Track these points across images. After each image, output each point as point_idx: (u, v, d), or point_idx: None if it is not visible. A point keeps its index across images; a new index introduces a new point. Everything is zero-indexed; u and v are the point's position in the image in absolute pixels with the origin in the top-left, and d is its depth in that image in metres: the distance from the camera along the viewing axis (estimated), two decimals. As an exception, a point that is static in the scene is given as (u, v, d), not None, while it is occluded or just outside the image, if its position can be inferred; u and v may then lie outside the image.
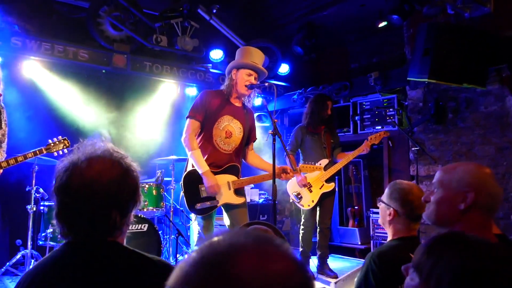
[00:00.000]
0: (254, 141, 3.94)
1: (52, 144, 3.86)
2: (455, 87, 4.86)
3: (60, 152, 3.89)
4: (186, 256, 0.63)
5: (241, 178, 3.70)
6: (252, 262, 0.57)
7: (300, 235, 5.00)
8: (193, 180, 3.59)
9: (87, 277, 1.20)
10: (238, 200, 3.67)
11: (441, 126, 5.13)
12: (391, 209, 2.13)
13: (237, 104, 3.74)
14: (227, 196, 3.63)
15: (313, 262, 5.14)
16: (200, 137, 3.65)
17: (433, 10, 4.51)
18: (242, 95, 3.70)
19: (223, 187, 3.61)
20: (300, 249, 5.01)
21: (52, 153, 3.90)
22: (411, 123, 5.39)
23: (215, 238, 0.62)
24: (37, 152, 3.76)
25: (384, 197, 2.21)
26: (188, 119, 3.63)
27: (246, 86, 3.62)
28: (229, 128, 3.66)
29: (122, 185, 1.28)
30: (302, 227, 5.00)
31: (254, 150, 3.98)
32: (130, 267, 1.26)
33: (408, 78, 4.71)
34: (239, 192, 3.71)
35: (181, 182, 3.65)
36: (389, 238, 2.17)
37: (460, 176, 1.61)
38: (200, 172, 3.52)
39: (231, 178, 3.66)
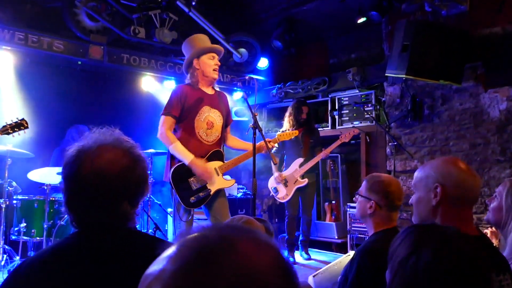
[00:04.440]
0: (230, 123, 3.96)
1: (8, 126, 3.65)
2: (431, 84, 4.94)
3: (18, 134, 3.70)
4: (166, 253, 0.60)
5: (226, 162, 3.74)
6: (245, 251, 0.58)
7: (286, 223, 5.43)
8: (181, 176, 3.56)
9: (102, 265, 1.16)
10: (229, 183, 3.76)
11: (417, 122, 5.21)
12: (372, 202, 2.11)
13: (210, 91, 3.74)
14: (218, 182, 3.65)
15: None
16: (181, 131, 3.62)
17: (411, 7, 4.57)
18: (212, 80, 3.70)
19: (211, 174, 3.63)
20: (286, 238, 5.42)
21: (10, 134, 3.70)
22: (388, 119, 5.46)
23: (199, 233, 0.61)
24: None
25: (363, 190, 2.18)
26: (162, 116, 3.59)
27: (214, 70, 3.64)
28: (210, 119, 3.66)
29: (132, 175, 1.25)
30: (286, 216, 5.44)
31: None
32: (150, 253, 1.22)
33: (386, 74, 4.78)
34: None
35: (170, 181, 3.59)
36: (371, 231, 2.16)
37: (427, 173, 1.63)
38: (186, 163, 3.48)
39: (217, 164, 3.68)
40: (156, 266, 0.59)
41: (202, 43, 3.68)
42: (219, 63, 3.67)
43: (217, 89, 3.85)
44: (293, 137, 4.32)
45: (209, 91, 3.73)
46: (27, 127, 3.73)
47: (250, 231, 0.63)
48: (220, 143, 3.80)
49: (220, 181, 3.66)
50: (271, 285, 0.56)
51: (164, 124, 3.55)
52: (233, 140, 3.95)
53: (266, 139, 3.64)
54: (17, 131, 3.68)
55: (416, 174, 1.71)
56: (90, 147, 1.24)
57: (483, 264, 1.03)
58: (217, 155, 3.70)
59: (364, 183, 2.22)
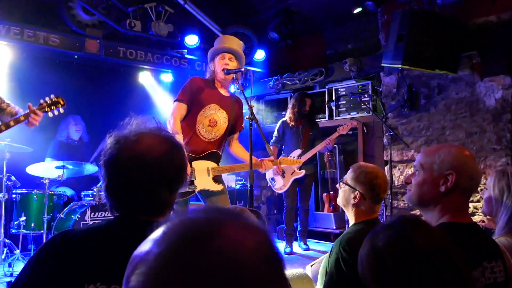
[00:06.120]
0: (239, 131, 3.91)
1: (44, 104, 3.45)
2: (427, 73, 4.94)
3: (56, 112, 3.50)
4: (154, 235, 0.60)
5: (221, 166, 3.69)
6: (232, 235, 0.57)
7: (284, 213, 5.50)
8: None
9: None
10: (216, 187, 3.65)
11: (414, 112, 5.22)
12: (357, 192, 2.08)
13: (224, 93, 3.73)
14: (205, 182, 3.61)
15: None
16: (183, 123, 3.62)
17: (407, -3, 4.58)
18: (222, 81, 3.69)
19: (202, 173, 3.60)
20: (284, 228, 5.49)
21: (47, 113, 3.49)
22: (385, 109, 5.47)
23: (186, 217, 0.61)
24: (29, 113, 3.32)
25: (349, 179, 2.15)
26: (176, 102, 3.60)
27: (222, 70, 3.61)
28: (215, 117, 3.64)
29: (171, 161, 1.27)
30: (284, 207, 5.52)
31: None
32: None
33: (382, 64, 4.78)
34: (218, 179, 3.69)
35: None
36: (352, 221, 2.13)
37: (442, 158, 1.61)
38: None
39: (211, 164, 3.64)
40: (143, 247, 0.59)
41: (220, 44, 3.70)
42: (228, 63, 3.63)
43: (234, 95, 3.86)
44: (295, 164, 4.57)
45: (223, 92, 3.73)
46: (64, 105, 3.53)
47: (239, 215, 0.62)
48: (220, 144, 3.74)
49: (208, 182, 3.62)
50: (255, 271, 0.56)
51: (175, 111, 3.57)
52: (238, 148, 3.90)
53: (266, 159, 3.71)
54: (54, 109, 3.49)
55: (424, 155, 1.68)
56: (130, 133, 1.26)
57: (456, 254, 1.07)
58: (213, 156, 3.66)
59: (350, 172, 2.18)
